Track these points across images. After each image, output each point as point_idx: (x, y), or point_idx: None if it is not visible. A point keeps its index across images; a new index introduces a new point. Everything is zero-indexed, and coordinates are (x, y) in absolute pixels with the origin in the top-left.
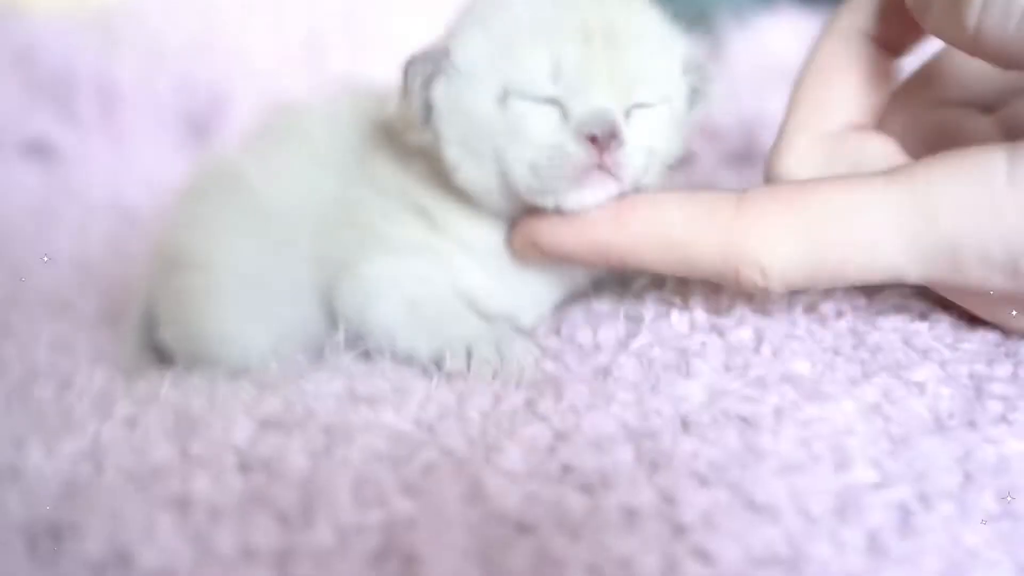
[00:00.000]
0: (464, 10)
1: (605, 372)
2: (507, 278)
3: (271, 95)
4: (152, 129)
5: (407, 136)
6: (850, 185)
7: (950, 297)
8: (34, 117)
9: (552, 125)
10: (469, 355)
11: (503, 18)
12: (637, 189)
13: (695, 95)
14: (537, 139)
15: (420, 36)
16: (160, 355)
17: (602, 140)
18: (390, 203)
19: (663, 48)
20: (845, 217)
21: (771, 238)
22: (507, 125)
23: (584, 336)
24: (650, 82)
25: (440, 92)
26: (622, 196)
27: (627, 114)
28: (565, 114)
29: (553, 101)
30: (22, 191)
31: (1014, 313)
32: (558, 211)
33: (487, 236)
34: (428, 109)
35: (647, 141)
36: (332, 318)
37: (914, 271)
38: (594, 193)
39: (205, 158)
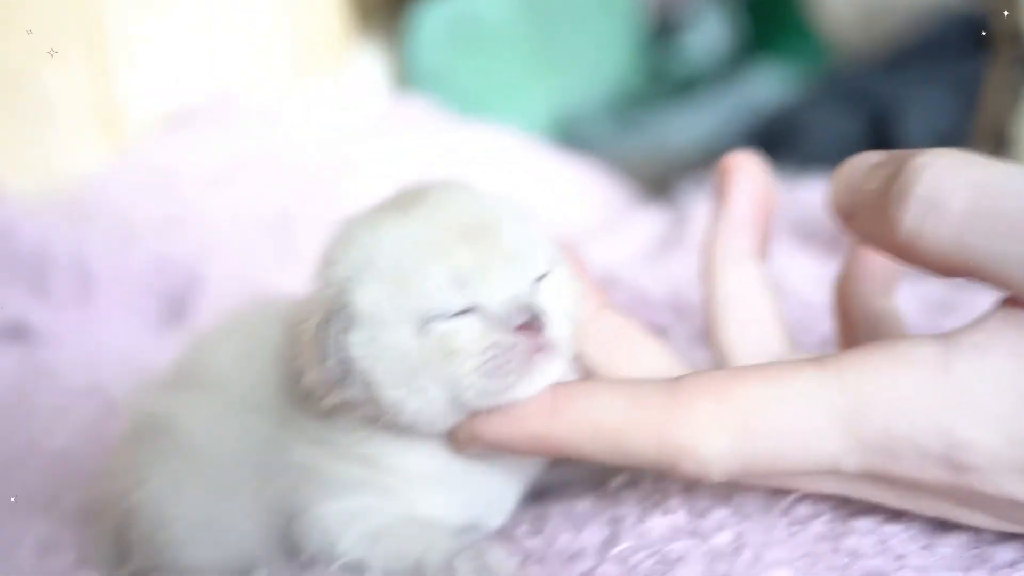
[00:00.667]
0: (329, 263)
1: None
2: (464, 487)
3: (243, 273)
4: (127, 308)
5: (329, 399)
6: (781, 374)
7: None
8: (10, 300)
9: (480, 330)
10: (452, 573)
11: (383, 257)
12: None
13: None
14: (474, 348)
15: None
16: None
17: (531, 323)
18: (324, 450)
19: (528, 222)
20: (776, 409)
21: (705, 431)
22: (439, 349)
23: (566, 540)
24: (537, 252)
25: (357, 346)
26: (557, 383)
27: (533, 291)
28: (484, 316)
29: (467, 310)
30: (1, 377)
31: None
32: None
33: (430, 457)
34: (346, 366)
35: (561, 304)
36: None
37: (850, 463)
38: (544, 374)
39: (135, 402)
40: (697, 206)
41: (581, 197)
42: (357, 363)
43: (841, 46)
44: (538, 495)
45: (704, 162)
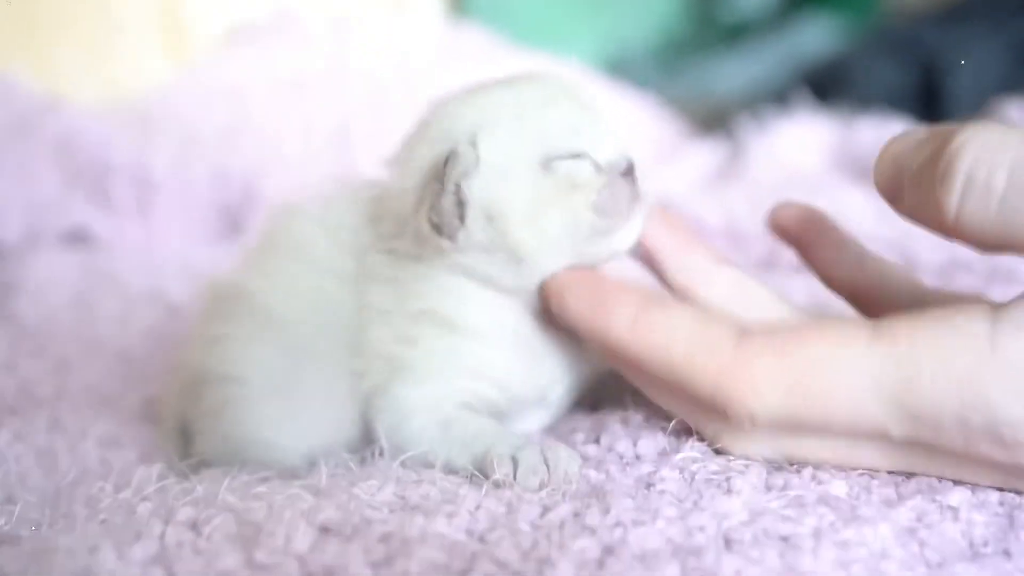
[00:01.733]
0: (427, 134)
1: (648, 484)
2: (528, 352)
3: (300, 185)
4: (187, 218)
5: (439, 244)
6: (838, 339)
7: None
8: (73, 206)
9: (593, 171)
10: (515, 463)
11: (503, 110)
12: None
13: None
14: (593, 183)
15: None
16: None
17: (630, 172)
18: (397, 325)
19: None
20: (829, 374)
21: (760, 386)
22: (562, 184)
23: (624, 447)
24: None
25: (478, 189)
26: (647, 301)
27: None
28: (595, 162)
29: (582, 154)
30: (63, 282)
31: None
32: (608, 256)
33: (499, 317)
34: (463, 207)
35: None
36: (369, 421)
37: (897, 431)
38: (638, 220)
39: (214, 280)
40: (753, 139)
41: (640, 128)
42: (480, 204)
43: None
44: (593, 406)
45: (752, 109)
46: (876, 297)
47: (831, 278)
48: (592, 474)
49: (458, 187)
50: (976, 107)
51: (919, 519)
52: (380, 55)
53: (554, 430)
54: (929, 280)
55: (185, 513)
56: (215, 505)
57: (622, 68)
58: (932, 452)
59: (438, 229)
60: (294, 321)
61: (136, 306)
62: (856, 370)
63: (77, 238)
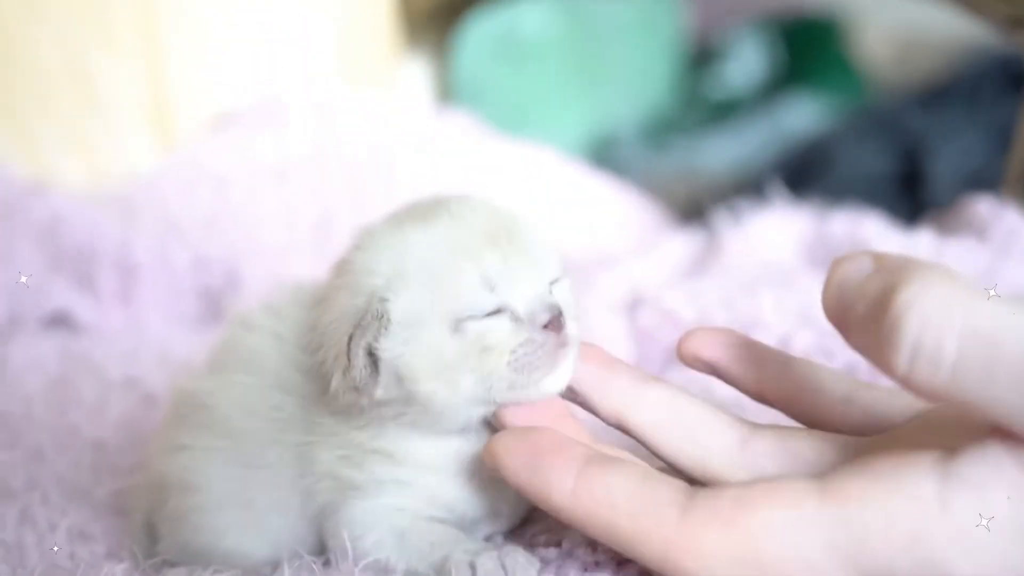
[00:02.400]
0: (352, 270)
1: None
2: (478, 476)
3: (281, 273)
4: (169, 303)
5: (356, 399)
6: (786, 502)
7: None
8: (54, 290)
9: (510, 328)
10: (474, 570)
11: (415, 263)
12: None
13: None
14: (507, 345)
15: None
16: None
17: (554, 321)
18: (344, 448)
19: (541, 230)
20: (779, 539)
21: (710, 558)
22: (473, 346)
23: (584, 552)
24: (552, 259)
25: (388, 349)
26: (586, 463)
27: (550, 291)
28: (512, 315)
29: (498, 309)
30: (41, 368)
31: None
32: (536, 398)
33: (442, 449)
34: (375, 369)
35: (571, 304)
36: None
37: None
38: (567, 368)
39: (177, 384)
40: (729, 230)
41: (615, 217)
42: (390, 364)
43: (878, 81)
44: None
45: (737, 188)
46: (810, 404)
47: (761, 395)
48: None
49: (370, 347)
50: (956, 189)
51: None
52: (367, 142)
53: (516, 532)
54: None
55: None
56: None
57: (609, 145)
58: None
59: (355, 389)
60: (248, 433)
61: (112, 394)
62: (807, 534)
63: (59, 323)
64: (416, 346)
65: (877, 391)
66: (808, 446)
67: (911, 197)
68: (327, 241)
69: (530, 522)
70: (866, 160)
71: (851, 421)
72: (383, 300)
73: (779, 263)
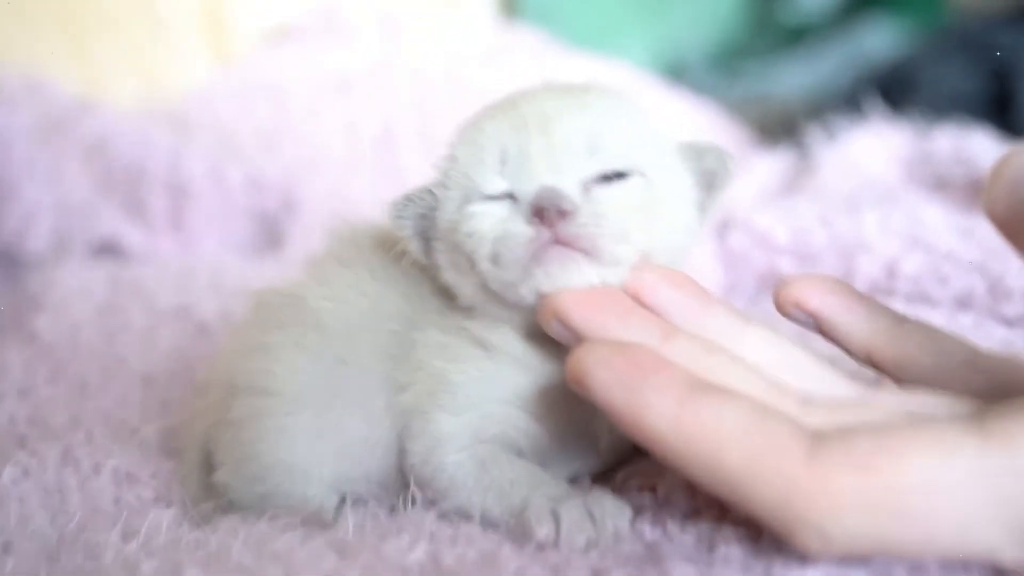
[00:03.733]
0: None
1: (710, 547)
2: (562, 384)
3: (341, 193)
4: (221, 228)
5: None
6: (938, 448)
7: None
8: (104, 215)
9: (502, 215)
10: (557, 519)
11: (466, 140)
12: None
13: (706, 178)
14: (489, 231)
15: None
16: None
17: (549, 213)
18: (449, 339)
19: (619, 122)
20: (933, 489)
21: (841, 505)
22: (467, 228)
23: (682, 497)
24: (605, 152)
25: (433, 220)
26: (692, 386)
27: (585, 188)
28: (516, 201)
29: (506, 195)
30: (88, 296)
31: None
32: (539, 298)
33: (512, 338)
34: (427, 240)
35: (614, 211)
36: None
37: (1011, 556)
38: (562, 270)
39: (259, 290)
40: (822, 148)
41: (698, 131)
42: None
43: (959, 1)
44: None
45: (812, 114)
46: (929, 367)
47: (868, 355)
48: (647, 530)
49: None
50: None
51: None
52: (428, 55)
53: (605, 475)
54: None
55: (192, 575)
56: (227, 566)
57: (679, 71)
58: None
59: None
60: (343, 328)
61: (162, 323)
62: (965, 486)
63: (107, 248)
64: (439, 221)
65: (998, 358)
66: (939, 404)
67: (1001, 122)
68: (391, 157)
69: (621, 466)
70: (953, 82)
71: (974, 388)
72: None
73: (881, 181)
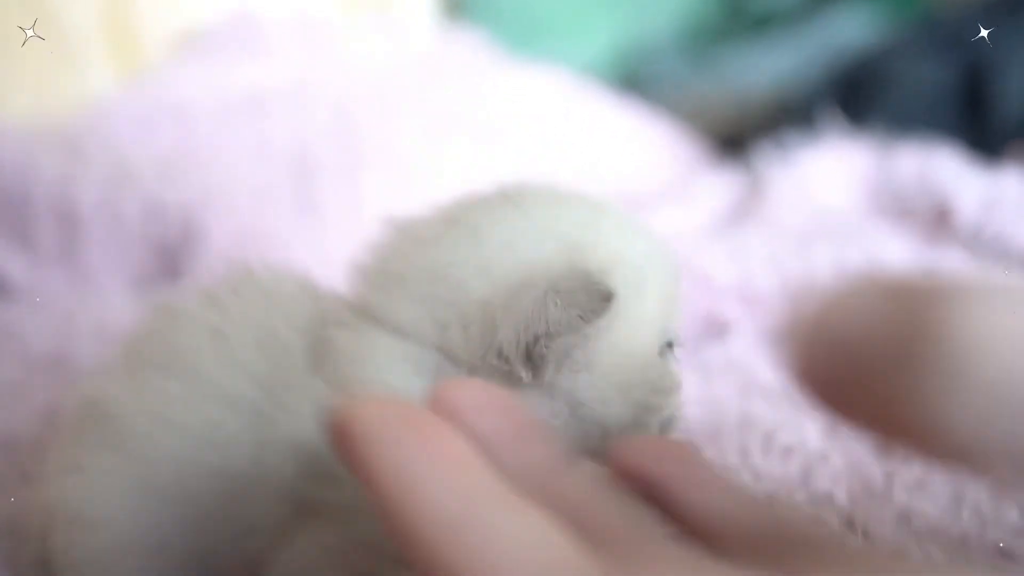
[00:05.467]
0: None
1: None
2: None
3: (251, 224)
4: (115, 262)
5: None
6: None
7: None
8: None
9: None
10: None
11: (650, 266)
12: None
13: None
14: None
15: (420, 159)
16: None
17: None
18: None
19: None
20: None
21: None
22: (665, 373)
23: None
24: None
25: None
26: None
27: None
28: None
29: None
30: None
31: None
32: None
33: None
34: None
35: None
36: None
37: None
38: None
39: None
40: (774, 170)
41: (643, 151)
42: (583, 353)
43: None
44: None
45: (782, 112)
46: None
47: (703, 523)
48: None
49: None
50: None
51: None
52: (357, 66)
53: None
54: None
55: None
56: None
57: (639, 62)
58: None
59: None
60: (168, 453)
61: (35, 375)
62: None
63: None
64: (626, 348)
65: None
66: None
67: (975, 120)
68: (307, 185)
69: None
70: (926, 77)
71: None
72: (604, 270)
73: (837, 209)
